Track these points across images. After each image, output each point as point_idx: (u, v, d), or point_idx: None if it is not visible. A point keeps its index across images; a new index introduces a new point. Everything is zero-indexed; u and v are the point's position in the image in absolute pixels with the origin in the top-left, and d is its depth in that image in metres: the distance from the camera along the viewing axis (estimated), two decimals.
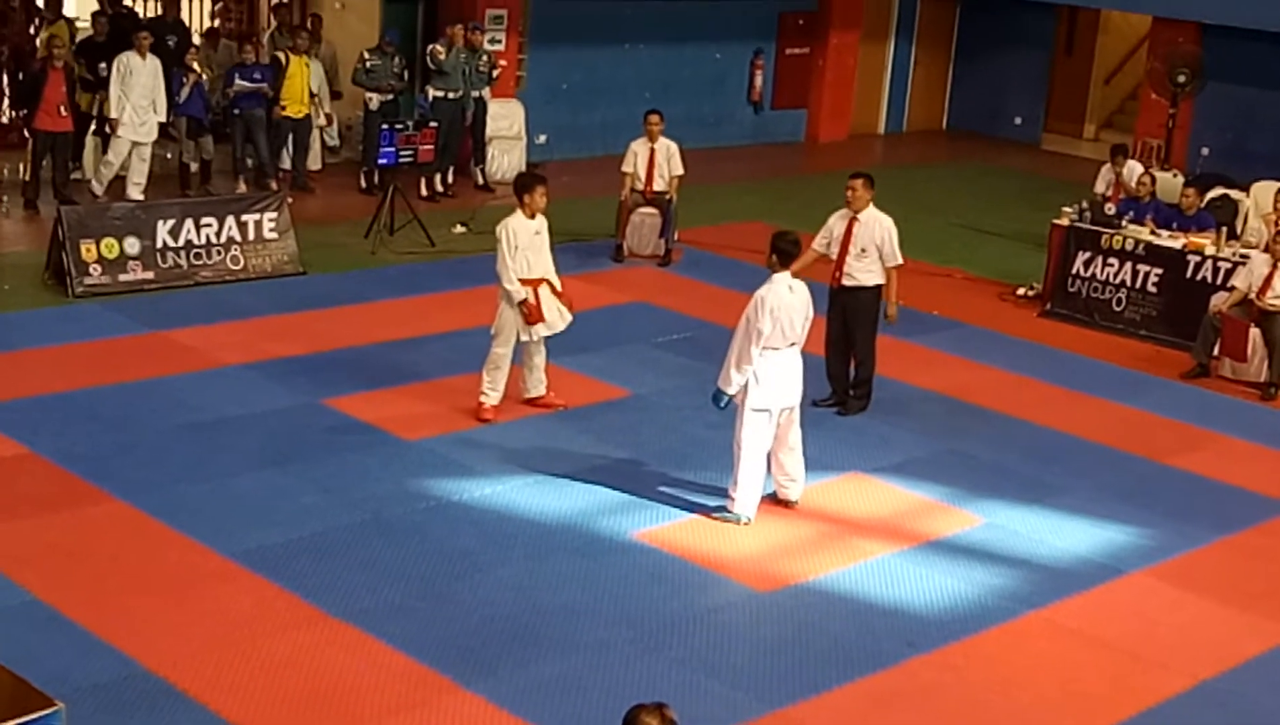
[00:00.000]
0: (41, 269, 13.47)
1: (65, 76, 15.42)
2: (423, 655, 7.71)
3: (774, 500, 9.77)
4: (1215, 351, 13.08)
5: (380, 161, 15.80)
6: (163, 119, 15.83)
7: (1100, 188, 16.45)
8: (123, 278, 13.32)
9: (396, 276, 14.32)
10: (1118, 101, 24.54)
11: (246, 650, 7.65)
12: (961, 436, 11.30)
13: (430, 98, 17.40)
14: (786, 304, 9.35)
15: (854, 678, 7.86)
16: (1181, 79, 18.71)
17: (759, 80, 22.37)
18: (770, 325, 9.27)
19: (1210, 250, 13.91)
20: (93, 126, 16.38)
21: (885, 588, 8.87)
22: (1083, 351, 13.65)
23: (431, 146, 16.03)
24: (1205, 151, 20.93)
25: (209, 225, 13.83)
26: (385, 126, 15.82)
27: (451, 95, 17.33)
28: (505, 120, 18.67)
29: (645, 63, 20.95)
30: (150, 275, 13.48)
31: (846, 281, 11.38)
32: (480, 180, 18.11)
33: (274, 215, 14.20)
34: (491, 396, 10.86)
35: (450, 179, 17.65)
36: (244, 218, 14.04)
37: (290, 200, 14.83)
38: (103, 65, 15.85)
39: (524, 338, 10.77)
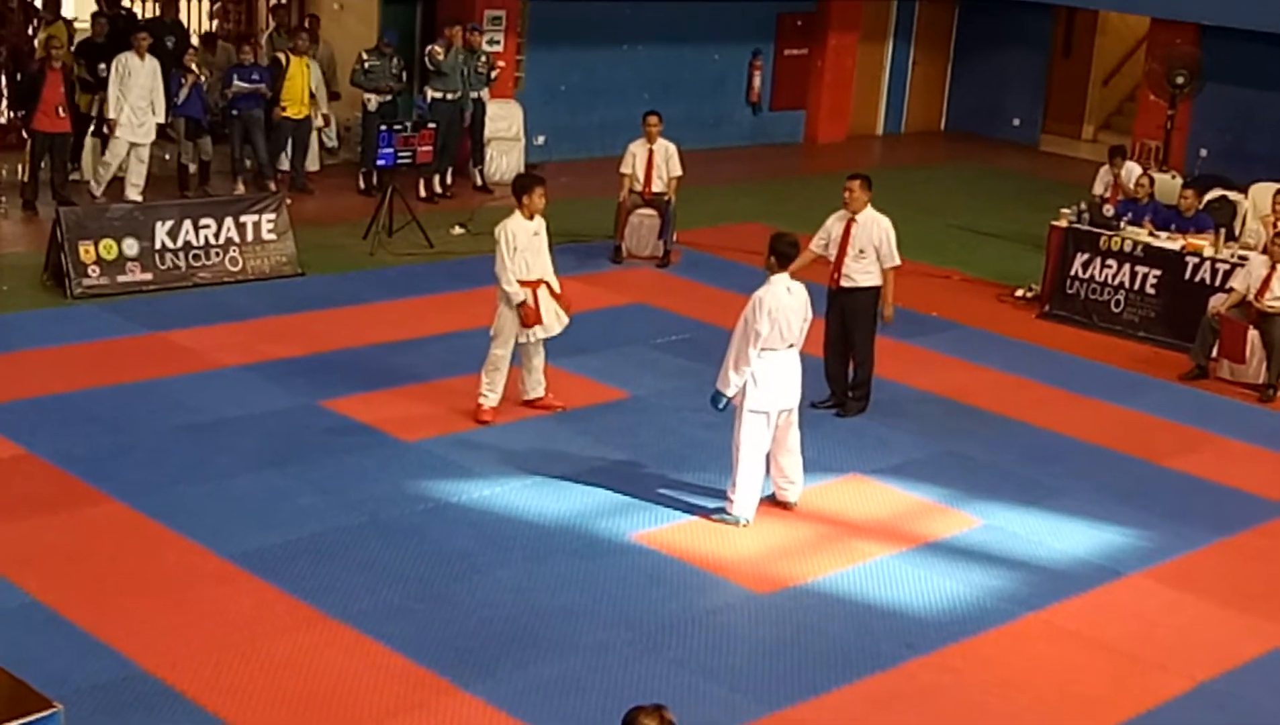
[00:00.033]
0: (40, 270, 13.47)
1: (63, 77, 15.42)
2: (421, 657, 7.71)
3: (773, 502, 9.77)
4: (1214, 353, 13.08)
5: (379, 162, 15.80)
6: (161, 120, 15.83)
7: (1099, 189, 16.46)
8: (121, 279, 13.32)
9: (395, 278, 14.32)
10: (1116, 103, 24.55)
11: (245, 651, 7.65)
12: (960, 438, 11.30)
13: (429, 99, 17.40)
14: (784, 305, 9.35)
15: (853, 679, 7.86)
16: (1180, 80, 18.71)
17: (757, 81, 22.37)
18: (768, 326, 9.27)
19: (1209, 252, 13.91)
20: (92, 127, 16.37)
21: (884, 589, 8.88)
22: (1081, 353, 13.66)
23: (430, 148, 16.03)
24: (1204, 153, 20.94)
25: (207, 226, 13.83)
26: (384, 127, 15.82)
27: (450, 96, 17.33)
28: (504, 121, 18.68)
29: (644, 64, 20.96)
30: (149, 276, 13.48)
31: (845, 283, 11.39)
32: (479, 181, 18.10)
33: (272, 216, 14.20)
34: (490, 398, 10.86)
35: (449, 180, 17.64)
36: (242, 219, 14.03)
37: (289, 201, 14.83)
38: (103, 66, 15.85)
39: (521, 339, 10.78)
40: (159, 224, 13.60)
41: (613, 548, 9.13)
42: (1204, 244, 14.06)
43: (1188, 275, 13.93)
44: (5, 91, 17.77)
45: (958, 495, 10.25)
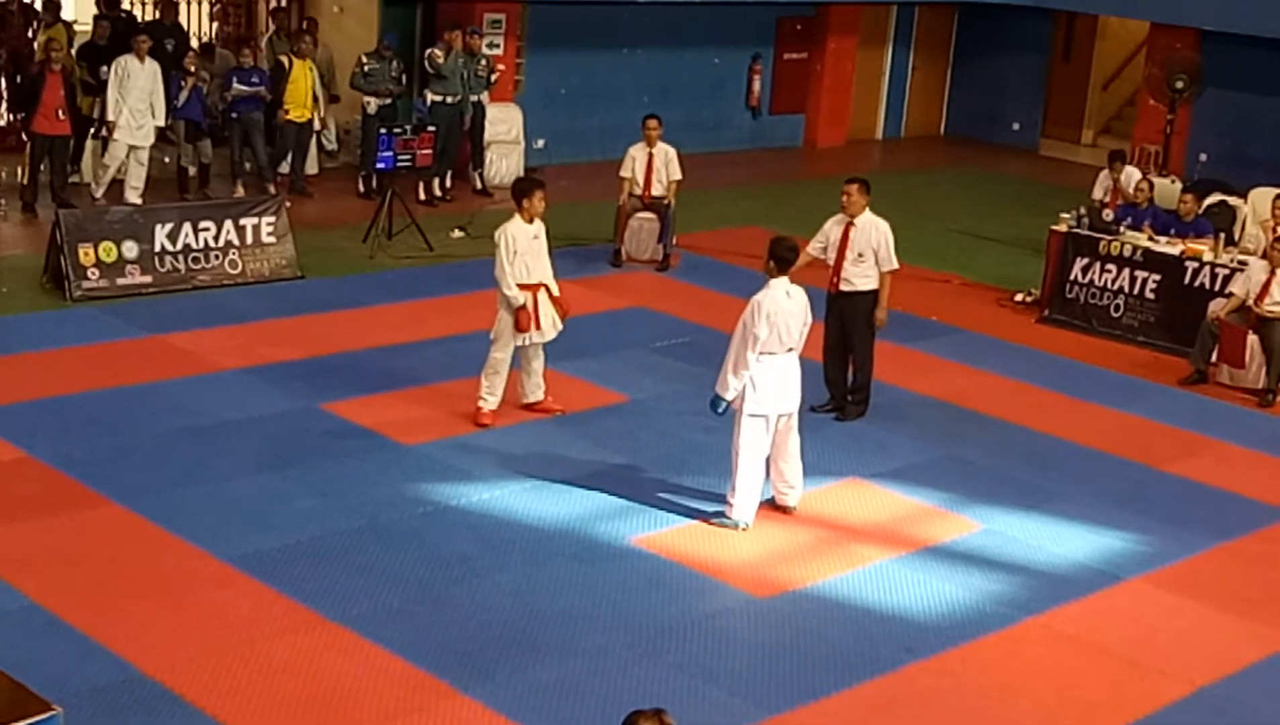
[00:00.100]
0: (39, 272, 13.47)
1: (63, 80, 15.42)
2: (420, 660, 7.70)
3: (772, 506, 9.77)
4: (1213, 358, 13.09)
5: (378, 166, 15.81)
6: (160, 123, 15.83)
7: (1098, 194, 16.47)
8: (120, 281, 13.31)
9: (394, 281, 14.31)
10: (1116, 107, 24.57)
11: (244, 654, 7.64)
12: (959, 442, 11.30)
13: (428, 102, 17.40)
14: (783, 309, 9.35)
15: (852, 684, 7.85)
16: (1180, 85, 18.71)
17: (757, 85, 22.38)
18: (767, 330, 9.26)
19: (1208, 256, 13.92)
20: (92, 130, 16.37)
21: (883, 594, 8.87)
22: (1081, 357, 13.66)
23: (430, 151, 16.04)
24: (1203, 157, 20.95)
25: (207, 229, 13.82)
26: (383, 131, 15.82)
27: (450, 99, 17.33)
28: (503, 125, 18.68)
29: (643, 67, 20.97)
30: (148, 279, 13.47)
31: (844, 287, 11.38)
32: (478, 185, 18.10)
33: (272, 219, 14.20)
34: (490, 401, 10.86)
35: (448, 183, 17.64)
36: (242, 222, 14.03)
37: (288, 204, 14.83)
38: (104, 69, 15.85)
39: (519, 343, 10.78)
40: (158, 227, 13.60)
41: (612, 551, 9.13)
42: (1203, 249, 14.07)
43: (1187, 280, 13.93)
44: (5, 94, 17.77)
45: (957, 499, 10.25)
